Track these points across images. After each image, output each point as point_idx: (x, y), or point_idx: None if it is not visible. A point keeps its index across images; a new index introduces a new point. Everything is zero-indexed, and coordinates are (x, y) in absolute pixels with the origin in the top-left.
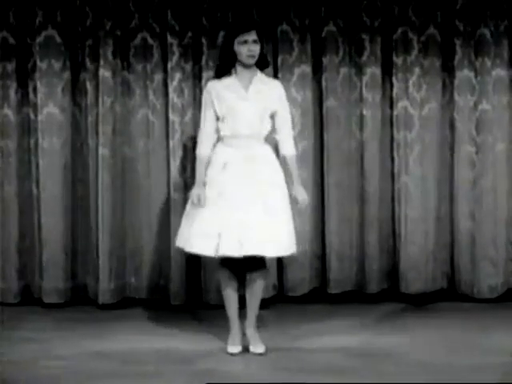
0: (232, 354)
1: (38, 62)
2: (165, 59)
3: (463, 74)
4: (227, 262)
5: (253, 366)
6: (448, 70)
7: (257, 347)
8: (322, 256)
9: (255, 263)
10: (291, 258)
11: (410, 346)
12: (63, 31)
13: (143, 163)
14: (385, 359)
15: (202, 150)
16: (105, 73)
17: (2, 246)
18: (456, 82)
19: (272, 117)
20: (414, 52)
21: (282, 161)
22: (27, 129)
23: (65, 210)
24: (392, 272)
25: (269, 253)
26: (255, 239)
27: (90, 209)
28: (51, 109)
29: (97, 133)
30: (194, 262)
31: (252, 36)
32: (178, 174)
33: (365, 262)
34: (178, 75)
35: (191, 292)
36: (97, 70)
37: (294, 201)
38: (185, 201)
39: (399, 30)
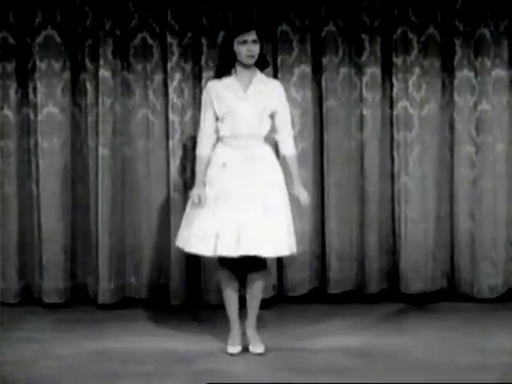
0: (232, 354)
1: (38, 62)
2: (165, 59)
3: (463, 74)
4: (226, 262)
5: (253, 366)
6: (448, 70)
7: (256, 347)
8: (321, 256)
9: (256, 263)
10: (291, 258)
11: (410, 346)
12: (63, 31)
13: (143, 163)
14: (385, 359)
15: (202, 150)
16: (105, 73)
17: (1, 245)
18: (456, 82)
19: (272, 117)
20: (414, 52)
21: (282, 161)
22: (27, 129)
23: (65, 210)
24: (392, 272)
25: (266, 253)
26: (253, 239)
27: (90, 209)
28: (51, 109)
29: (97, 133)
30: (194, 262)
31: (252, 36)
32: (177, 174)
33: (365, 261)
34: (177, 75)
35: (191, 292)
36: (97, 70)
37: (294, 201)
38: (185, 201)
39: (399, 30)
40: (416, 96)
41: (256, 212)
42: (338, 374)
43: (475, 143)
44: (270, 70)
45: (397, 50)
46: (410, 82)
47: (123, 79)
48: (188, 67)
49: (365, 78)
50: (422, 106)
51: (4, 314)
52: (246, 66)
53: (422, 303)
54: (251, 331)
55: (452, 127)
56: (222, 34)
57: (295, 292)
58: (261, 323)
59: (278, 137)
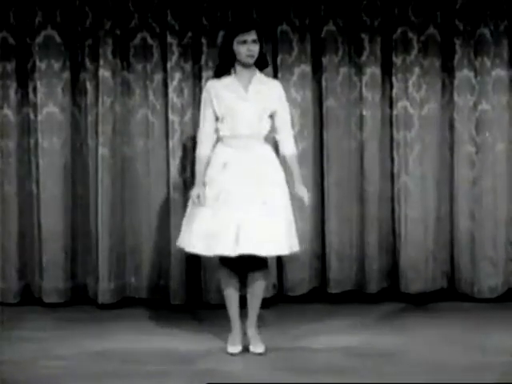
0: (232, 354)
1: (38, 62)
2: (164, 59)
3: (463, 74)
4: (227, 262)
5: (253, 365)
6: (448, 70)
7: (257, 347)
8: (321, 256)
9: (256, 263)
10: (291, 257)
11: (409, 346)
12: (63, 31)
13: (143, 163)
14: (385, 359)
15: (202, 149)
16: (105, 73)
17: (2, 245)
18: (456, 81)
19: (271, 117)
20: (414, 52)
21: (282, 161)
22: (27, 129)
23: (65, 210)
24: (392, 272)
25: (266, 252)
26: (253, 238)
27: (90, 209)
28: (51, 109)
29: (96, 133)
30: (194, 262)
31: (251, 36)
32: (177, 173)
33: (365, 261)
34: (177, 75)
35: (191, 292)
36: (96, 69)
37: (295, 200)
38: (185, 201)
39: (399, 30)
40: (416, 96)
41: (256, 211)
42: (338, 374)
43: (475, 143)
44: (269, 69)
45: (397, 50)
46: (410, 82)
47: (123, 79)
48: (188, 67)
49: (365, 78)
50: (421, 105)
51: (4, 314)
52: (245, 66)
53: (422, 303)
54: (252, 331)
55: (452, 127)
56: (221, 33)
57: (295, 292)
58: (261, 323)
59: (278, 137)
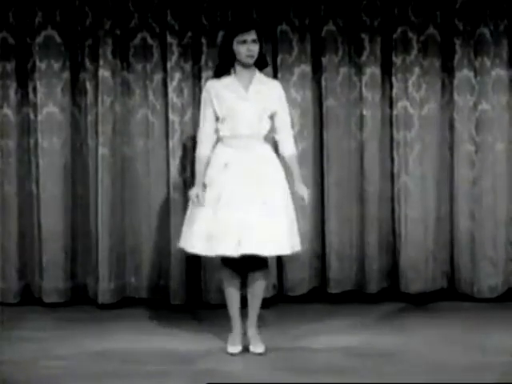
0: (232, 354)
1: (38, 62)
2: (164, 59)
3: (463, 74)
4: (229, 262)
5: (253, 365)
6: (447, 70)
7: (257, 347)
8: (321, 256)
9: (257, 263)
10: (291, 257)
11: (409, 346)
12: (63, 31)
13: (143, 163)
14: (385, 359)
15: (202, 150)
16: (104, 73)
17: (2, 245)
18: (455, 81)
19: (271, 117)
20: (414, 52)
21: (282, 161)
22: (27, 129)
23: (64, 210)
24: (392, 272)
25: (268, 252)
26: (254, 239)
27: (90, 208)
28: (51, 109)
29: (96, 133)
30: (194, 262)
31: (251, 36)
32: (177, 173)
33: (365, 261)
34: (177, 75)
35: (191, 292)
36: (96, 69)
37: (295, 200)
38: (185, 201)
39: (399, 30)
40: (416, 96)
41: (257, 212)
42: (338, 374)
43: (475, 143)
44: (269, 69)
45: (396, 50)
46: (410, 82)
47: (123, 79)
48: (188, 67)
49: (364, 78)
50: (421, 105)
51: (4, 314)
52: (245, 66)
53: (422, 303)
54: (252, 331)
55: (452, 127)
56: (221, 33)
57: (295, 292)
58: (261, 323)
59: (277, 137)
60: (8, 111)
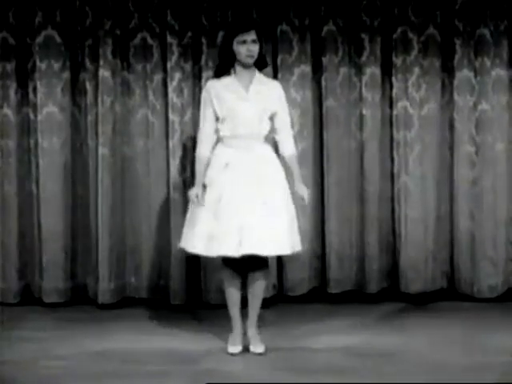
0: (232, 354)
1: (38, 62)
2: (164, 59)
3: (463, 74)
4: (230, 262)
5: (253, 365)
6: (447, 70)
7: (257, 347)
8: (321, 256)
9: (257, 263)
10: (291, 257)
11: (409, 346)
12: (63, 31)
13: (143, 163)
14: (385, 359)
15: (202, 150)
16: (104, 73)
17: (2, 245)
18: (455, 81)
19: (271, 118)
20: (414, 52)
21: (282, 161)
22: (27, 129)
23: (65, 210)
24: (392, 272)
25: (268, 252)
26: (255, 239)
27: (90, 208)
28: (51, 109)
29: (96, 133)
30: (194, 262)
31: (251, 36)
32: (177, 173)
33: (365, 261)
34: (177, 75)
35: (191, 292)
36: (96, 69)
37: (295, 199)
38: (185, 201)
39: (399, 30)
40: (416, 96)
41: (257, 212)
42: (338, 374)
43: (475, 143)
44: (269, 69)
45: (396, 50)
46: (410, 82)
47: (123, 79)
48: (188, 67)
49: (364, 78)
50: (421, 105)
51: (4, 314)
52: (245, 66)
53: (422, 303)
54: (252, 331)
55: (452, 127)
56: (221, 33)
57: (295, 292)
58: (261, 323)
59: (277, 137)
60: (8, 111)
